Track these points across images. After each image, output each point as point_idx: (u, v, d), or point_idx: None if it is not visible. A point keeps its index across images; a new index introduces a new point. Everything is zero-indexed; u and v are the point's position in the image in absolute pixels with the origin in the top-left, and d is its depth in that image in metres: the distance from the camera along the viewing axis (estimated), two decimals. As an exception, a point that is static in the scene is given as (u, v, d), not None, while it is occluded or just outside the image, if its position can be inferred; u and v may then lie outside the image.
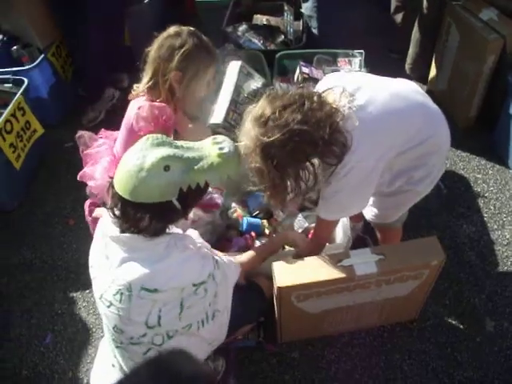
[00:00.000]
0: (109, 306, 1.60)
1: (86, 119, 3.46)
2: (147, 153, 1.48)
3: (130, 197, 1.46)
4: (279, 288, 1.81)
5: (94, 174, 2.23)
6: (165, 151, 1.48)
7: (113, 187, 1.52)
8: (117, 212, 1.53)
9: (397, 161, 1.75)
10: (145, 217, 1.48)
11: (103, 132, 2.38)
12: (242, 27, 3.35)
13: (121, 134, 2.22)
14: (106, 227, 1.60)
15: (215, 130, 2.43)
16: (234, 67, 2.63)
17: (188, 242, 1.62)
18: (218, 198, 2.37)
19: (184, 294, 1.56)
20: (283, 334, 2.16)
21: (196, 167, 1.50)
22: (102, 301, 1.62)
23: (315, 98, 1.57)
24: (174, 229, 1.63)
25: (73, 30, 3.19)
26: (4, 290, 2.60)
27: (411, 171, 1.81)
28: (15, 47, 3.39)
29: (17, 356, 2.33)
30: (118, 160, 1.83)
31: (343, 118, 1.58)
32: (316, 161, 1.59)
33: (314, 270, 1.83)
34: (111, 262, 1.57)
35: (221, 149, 1.55)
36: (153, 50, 2.06)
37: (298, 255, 1.98)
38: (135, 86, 2.17)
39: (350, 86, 1.69)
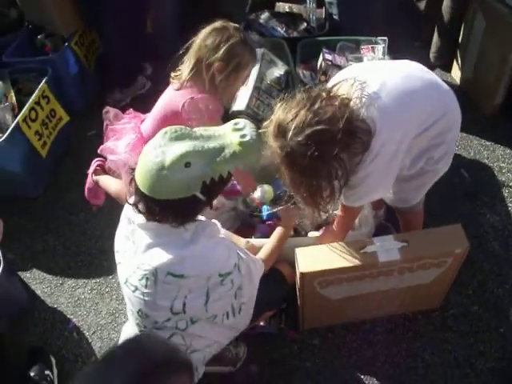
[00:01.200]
0: (134, 291, 1.60)
1: (111, 98, 3.49)
2: (166, 149, 1.45)
3: (153, 194, 1.44)
4: (302, 274, 1.81)
5: (117, 149, 2.26)
6: (184, 146, 1.45)
7: (135, 182, 1.50)
8: (141, 207, 1.52)
9: (416, 142, 1.75)
10: (169, 212, 1.48)
11: (131, 112, 2.39)
12: (265, 15, 3.33)
13: (156, 115, 2.24)
14: (131, 213, 1.60)
15: (237, 117, 2.43)
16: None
17: (214, 229, 1.63)
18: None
19: (210, 283, 1.55)
20: (305, 320, 2.17)
21: (218, 159, 1.46)
22: (127, 285, 1.63)
23: (323, 94, 1.57)
24: (198, 216, 1.63)
25: (96, 18, 3.22)
26: (28, 276, 2.64)
27: (431, 151, 1.82)
28: (39, 36, 3.42)
29: (41, 340, 2.37)
30: (146, 140, 1.85)
31: (359, 106, 1.57)
32: (345, 155, 1.57)
33: (337, 256, 1.83)
34: (137, 247, 1.57)
35: (242, 136, 1.50)
36: (199, 39, 2.10)
37: (321, 242, 1.98)
38: (173, 74, 2.21)
39: (361, 74, 1.70)
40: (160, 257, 1.52)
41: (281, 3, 3.53)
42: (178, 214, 1.49)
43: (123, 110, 2.45)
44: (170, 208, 1.47)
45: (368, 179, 1.69)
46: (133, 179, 1.52)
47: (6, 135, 2.64)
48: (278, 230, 2.02)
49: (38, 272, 2.66)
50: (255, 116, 2.47)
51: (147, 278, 1.54)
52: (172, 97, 2.20)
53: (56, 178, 3.13)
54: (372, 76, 1.70)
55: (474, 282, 2.39)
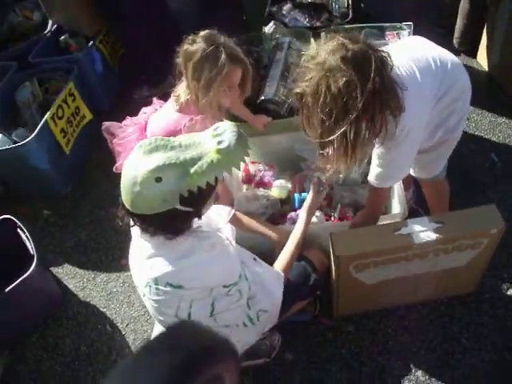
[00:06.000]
0: (143, 296, 1.62)
1: (138, 94, 3.55)
2: (138, 164, 1.37)
3: (132, 209, 1.39)
4: (338, 257, 1.80)
5: None
6: (156, 160, 1.35)
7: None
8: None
9: (433, 114, 1.75)
10: (151, 226, 1.44)
11: (129, 119, 2.34)
12: (287, 6, 3.31)
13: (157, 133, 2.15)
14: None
15: (265, 105, 2.43)
16: (283, 43, 2.64)
17: (214, 241, 1.55)
18: (272, 176, 2.38)
19: (215, 294, 1.54)
20: (339, 307, 2.15)
21: (192, 170, 1.36)
22: (139, 290, 1.65)
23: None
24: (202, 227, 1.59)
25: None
26: (61, 271, 2.68)
27: (446, 122, 1.83)
28: (63, 37, 3.46)
29: (75, 333, 2.40)
30: None
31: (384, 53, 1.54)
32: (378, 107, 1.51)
33: (372, 239, 1.82)
34: (142, 255, 1.55)
35: (219, 143, 1.39)
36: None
37: (354, 226, 1.97)
38: (173, 94, 2.17)
39: None
40: (159, 267, 1.49)
41: (304, -7, 3.50)
42: (164, 228, 1.45)
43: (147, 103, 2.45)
44: (153, 222, 1.42)
45: (399, 157, 1.69)
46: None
47: (35, 133, 2.68)
48: (294, 233, 1.94)
49: (70, 267, 2.70)
50: (283, 104, 2.46)
51: (150, 286, 1.54)
52: (173, 117, 2.12)
53: (84, 175, 3.18)
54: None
55: (508, 266, 2.35)
